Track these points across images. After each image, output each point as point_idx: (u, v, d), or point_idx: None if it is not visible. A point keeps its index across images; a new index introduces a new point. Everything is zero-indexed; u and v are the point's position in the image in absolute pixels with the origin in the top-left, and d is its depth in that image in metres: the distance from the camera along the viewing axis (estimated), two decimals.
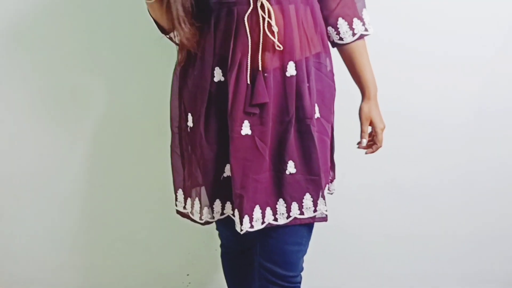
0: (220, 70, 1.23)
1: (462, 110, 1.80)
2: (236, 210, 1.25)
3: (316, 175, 1.25)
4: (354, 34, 1.30)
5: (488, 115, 1.81)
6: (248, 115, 1.21)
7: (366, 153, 1.42)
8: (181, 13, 1.20)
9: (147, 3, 1.24)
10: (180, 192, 1.37)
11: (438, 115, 1.80)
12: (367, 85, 1.35)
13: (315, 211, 1.27)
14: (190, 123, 1.29)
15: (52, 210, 1.85)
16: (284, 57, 1.20)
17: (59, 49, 1.71)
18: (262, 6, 1.17)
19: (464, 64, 1.75)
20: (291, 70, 1.21)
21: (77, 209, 1.85)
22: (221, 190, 1.30)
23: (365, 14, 1.31)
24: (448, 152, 1.83)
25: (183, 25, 1.21)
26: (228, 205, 1.31)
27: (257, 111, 1.21)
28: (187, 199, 1.35)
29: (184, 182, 1.36)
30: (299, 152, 1.24)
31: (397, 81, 1.73)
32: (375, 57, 1.36)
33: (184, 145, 1.34)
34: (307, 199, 1.27)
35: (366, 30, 1.31)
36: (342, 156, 1.43)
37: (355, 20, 1.30)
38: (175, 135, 1.37)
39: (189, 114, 1.29)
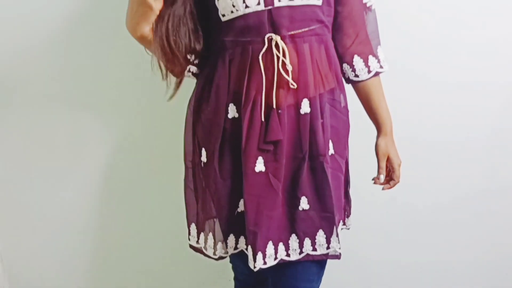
0: (235, 107, 1.24)
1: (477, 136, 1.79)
2: (249, 246, 1.24)
3: (330, 212, 1.24)
4: (369, 71, 1.30)
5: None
6: (262, 151, 1.22)
7: (383, 188, 1.41)
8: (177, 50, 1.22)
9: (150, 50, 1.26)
10: (193, 226, 1.37)
11: (450, 145, 1.79)
12: (383, 122, 1.35)
13: (328, 248, 1.26)
14: (204, 158, 1.30)
15: (65, 245, 1.87)
16: (298, 94, 1.21)
17: (66, 86, 1.73)
18: (277, 45, 1.18)
19: (482, 87, 1.74)
20: (305, 107, 1.21)
21: (90, 242, 1.87)
22: (235, 225, 1.29)
23: (380, 51, 1.31)
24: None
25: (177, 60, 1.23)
26: (242, 240, 1.31)
27: (271, 148, 1.22)
28: (200, 233, 1.35)
29: (197, 217, 1.36)
30: (312, 189, 1.24)
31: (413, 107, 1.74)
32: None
33: (197, 180, 1.35)
34: (320, 236, 1.26)
35: (381, 67, 1.31)
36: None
37: (371, 57, 1.30)
38: (189, 169, 1.38)
39: (203, 149, 1.30)
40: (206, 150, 1.29)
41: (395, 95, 1.41)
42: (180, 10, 1.21)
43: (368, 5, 1.29)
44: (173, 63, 1.23)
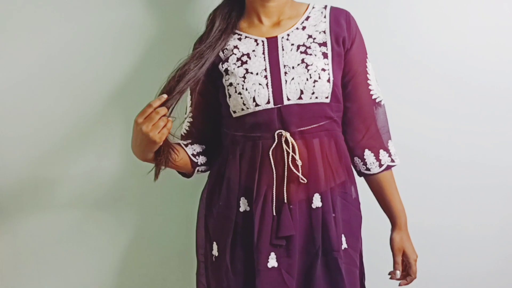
0: (246, 201, 1.25)
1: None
2: None
3: None
4: (381, 165, 1.31)
5: None
6: (274, 247, 1.21)
7: (400, 284, 1.36)
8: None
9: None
10: None
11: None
12: (398, 215, 1.34)
13: None
14: (215, 252, 1.29)
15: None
16: (309, 189, 1.22)
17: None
18: (286, 141, 1.21)
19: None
20: (316, 202, 1.22)
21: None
22: None
23: (391, 145, 1.33)
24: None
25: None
26: None
27: (283, 243, 1.21)
28: None
29: None
30: (327, 285, 1.21)
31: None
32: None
33: (210, 274, 1.33)
34: None
35: (392, 161, 1.32)
36: None
37: (382, 151, 1.31)
38: (201, 263, 1.37)
39: (214, 243, 1.30)
40: (217, 244, 1.29)
41: None
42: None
43: (377, 100, 1.32)
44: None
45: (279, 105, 1.22)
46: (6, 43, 1.63)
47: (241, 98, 1.23)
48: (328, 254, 1.21)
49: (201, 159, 1.34)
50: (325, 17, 1.29)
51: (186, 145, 1.33)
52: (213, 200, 1.32)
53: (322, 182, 1.22)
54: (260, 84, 1.22)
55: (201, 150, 1.35)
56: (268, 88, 1.22)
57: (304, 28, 1.27)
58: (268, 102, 1.22)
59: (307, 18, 1.29)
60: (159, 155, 1.21)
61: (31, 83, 1.67)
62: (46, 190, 1.74)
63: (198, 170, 1.34)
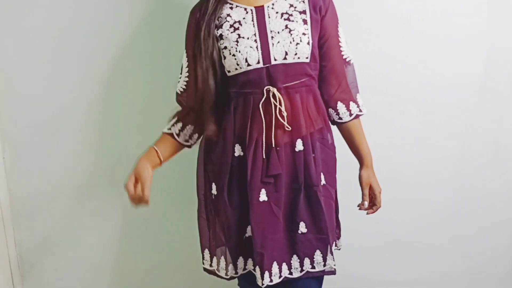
0: (240, 147, 1.46)
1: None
2: (257, 267, 1.44)
3: (324, 234, 1.45)
4: (351, 115, 1.53)
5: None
6: (264, 184, 1.43)
7: (367, 213, 1.62)
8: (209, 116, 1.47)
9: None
10: (206, 251, 1.56)
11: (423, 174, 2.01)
12: (365, 156, 1.57)
13: (324, 265, 1.46)
14: (214, 191, 1.51)
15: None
16: (292, 135, 1.44)
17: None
18: (274, 95, 1.42)
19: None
20: (299, 146, 1.44)
21: (108, 272, 2.00)
22: (243, 248, 1.49)
23: (359, 98, 1.55)
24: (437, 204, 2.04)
25: (211, 125, 1.48)
26: (250, 262, 1.50)
27: (272, 180, 1.43)
28: (213, 257, 1.55)
29: (210, 243, 1.56)
30: (309, 214, 1.45)
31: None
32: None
33: (209, 211, 1.56)
34: (318, 255, 1.46)
35: (360, 111, 1.55)
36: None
37: (351, 103, 1.53)
38: (201, 201, 1.59)
39: (213, 184, 1.51)
40: (216, 184, 1.51)
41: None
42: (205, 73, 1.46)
43: (347, 60, 1.54)
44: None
45: (267, 65, 1.42)
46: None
47: (235, 59, 1.42)
48: (309, 188, 1.44)
49: (194, 139, 1.58)
50: None
51: (178, 134, 1.54)
52: (210, 148, 1.52)
53: (303, 129, 1.44)
54: (251, 47, 1.42)
55: (192, 131, 1.56)
56: (258, 50, 1.42)
57: None
58: (258, 62, 1.42)
59: None
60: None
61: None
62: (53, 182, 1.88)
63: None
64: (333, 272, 1.48)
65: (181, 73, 1.55)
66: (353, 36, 1.63)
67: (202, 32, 1.45)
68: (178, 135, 1.54)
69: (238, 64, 1.43)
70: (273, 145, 1.42)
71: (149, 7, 1.79)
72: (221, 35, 1.45)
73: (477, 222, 2.05)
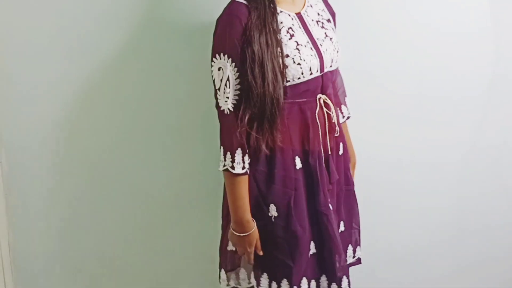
0: (299, 159, 1.41)
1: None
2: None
3: (358, 226, 1.60)
4: (343, 117, 1.66)
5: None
6: (328, 192, 1.45)
7: None
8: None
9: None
10: (284, 282, 1.42)
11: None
12: (351, 155, 1.69)
13: (354, 257, 1.60)
14: (273, 213, 1.40)
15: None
16: (337, 140, 1.50)
17: None
18: (325, 103, 1.44)
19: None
20: (341, 149, 1.52)
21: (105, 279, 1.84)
22: (308, 267, 1.44)
23: (347, 101, 1.70)
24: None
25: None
26: (313, 283, 1.47)
27: (331, 187, 1.47)
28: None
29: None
30: (346, 213, 1.55)
31: None
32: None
33: (269, 234, 1.43)
34: (349, 249, 1.58)
35: (349, 113, 1.70)
36: None
37: (343, 106, 1.66)
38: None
39: (271, 205, 1.40)
40: (276, 205, 1.39)
41: None
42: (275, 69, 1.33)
43: (338, 68, 1.67)
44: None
45: (323, 73, 1.42)
46: None
47: (300, 68, 1.35)
48: (349, 189, 1.56)
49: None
50: None
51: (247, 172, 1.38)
52: (270, 165, 1.40)
53: (342, 132, 1.53)
54: (311, 55, 1.38)
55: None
56: (317, 58, 1.40)
57: (311, 5, 1.48)
58: (317, 71, 1.40)
59: None
60: None
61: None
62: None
63: None
64: (359, 261, 1.62)
65: (219, 88, 1.34)
66: (356, 35, 1.74)
67: (265, 35, 1.31)
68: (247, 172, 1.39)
69: (302, 73, 1.37)
70: (329, 152, 1.45)
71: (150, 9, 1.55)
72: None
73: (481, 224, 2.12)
